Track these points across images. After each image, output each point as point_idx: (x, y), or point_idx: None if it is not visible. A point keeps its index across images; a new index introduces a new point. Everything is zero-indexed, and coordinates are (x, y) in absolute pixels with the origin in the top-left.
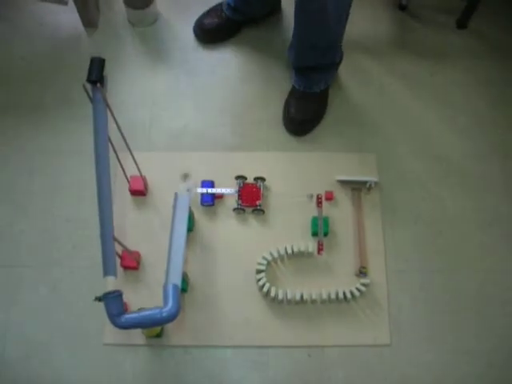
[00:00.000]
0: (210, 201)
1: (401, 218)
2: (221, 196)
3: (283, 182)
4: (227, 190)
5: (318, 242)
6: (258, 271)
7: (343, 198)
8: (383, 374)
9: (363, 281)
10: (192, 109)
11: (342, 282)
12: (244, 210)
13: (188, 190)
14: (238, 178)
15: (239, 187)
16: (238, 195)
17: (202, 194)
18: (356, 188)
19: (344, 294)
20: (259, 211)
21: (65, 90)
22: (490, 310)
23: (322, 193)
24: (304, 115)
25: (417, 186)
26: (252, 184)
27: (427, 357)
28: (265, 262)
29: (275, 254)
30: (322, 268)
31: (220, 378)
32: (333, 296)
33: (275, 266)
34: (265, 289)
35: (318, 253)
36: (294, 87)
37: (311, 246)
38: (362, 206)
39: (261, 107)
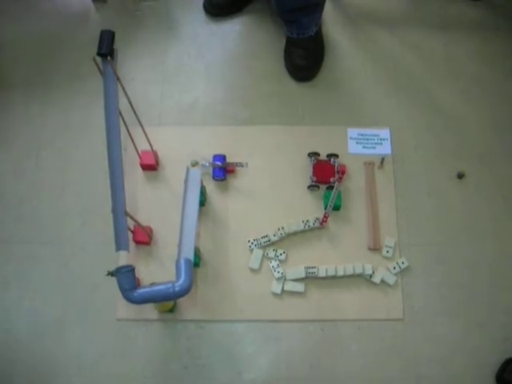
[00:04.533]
0: (222, 175)
1: (414, 192)
2: (232, 170)
3: (296, 155)
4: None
5: (324, 214)
6: (269, 245)
7: (356, 172)
8: (396, 348)
9: (400, 260)
10: (203, 83)
11: (355, 256)
12: (318, 187)
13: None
14: (310, 154)
15: (313, 164)
16: (313, 172)
17: (214, 169)
18: (369, 162)
19: (363, 268)
20: (315, 187)
21: (74, 65)
22: (505, 282)
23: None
24: (307, 60)
25: (431, 159)
26: (325, 161)
27: (440, 330)
28: (275, 238)
29: (287, 229)
30: (334, 243)
31: (233, 352)
32: (349, 271)
33: (287, 240)
34: (274, 265)
35: (321, 224)
36: (288, 37)
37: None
38: (374, 180)
39: (272, 81)
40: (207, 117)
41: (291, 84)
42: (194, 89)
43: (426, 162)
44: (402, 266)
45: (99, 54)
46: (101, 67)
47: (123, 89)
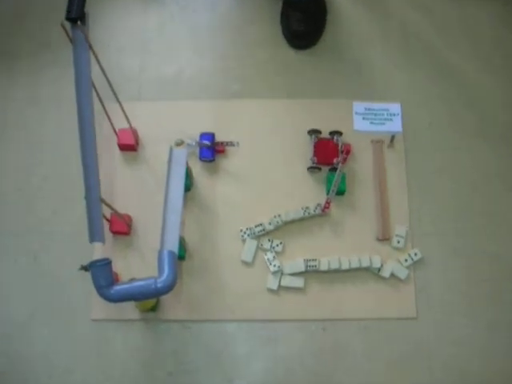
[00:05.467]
0: (210, 155)
1: (429, 174)
2: (222, 150)
3: (295, 133)
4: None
5: (327, 199)
6: (263, 235)
7: (362, 151)
8: (408, 351)
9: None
10: (189, 52)
11: (361, 247)
12: (320, 169)
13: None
14: (311, 132)
15: (314, 143)
16: (313, 152)
17: (201, 148)
18: (377, 140)
19: (370, 261)
20: (316, 169)
21: (40, 33)
22: None
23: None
24: (306, 24)
25: (447, 137)
26: (328, 139)
27: (460, 332)
28: (271, 227)
29: (284, 217)
30: (338, 232)
31: (223, 356)
32: (354, 264)
33: (284, 229)
34: (270, 257)
35: (323, 210)
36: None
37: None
38: (383, 160)
39: (267, 48)
40: (193, 90)
41: (289, 52)
42: (178, 58)
43: (441, 140)
44: (415, 258)
45: (68, 18)
46: (70, 34)
47: (96, 58)
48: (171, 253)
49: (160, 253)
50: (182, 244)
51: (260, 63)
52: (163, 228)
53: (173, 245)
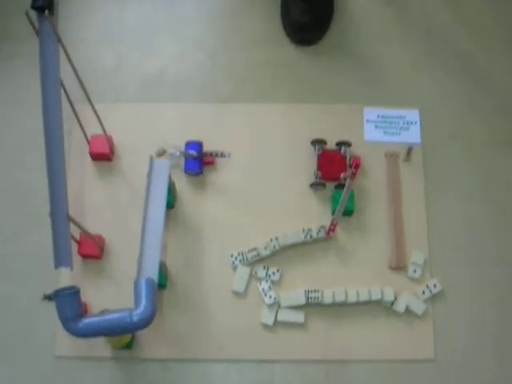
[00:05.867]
0: (197, 168)
1: (452, 193)
2: (211, 162)
3: (295, 143)
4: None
5: (332, 221)
6: (258, 261)
7: (374, 165)
8: None
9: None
10: (172, 47)
11: (371, 276)
12: (324, 186)
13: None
14: (315, 142)
15: (318, 155)
16: (317, 166)
17: (187, 159)
18: (392, 153)
19: (382, 293)
20: (320, 185)
21: (1, 23)
22: None
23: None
24: (310, 16)
25: (474, 150)
26: (334, 151)
27: (486, 378)
28: (267, 252)
29: (282, 241)
30: (345, 259)
31: None
32: (364, 297)
33: (282, 255)
34: (265, 287)
35: (328, 234)
36: None
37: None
38: (399, 176)
39: (265, 45)
40: (178, 91)
41: (290, 49)
42: (161, 54)
43: (467, 153)
44: (434, 291)
45: (34, 7)
46: (36, 25)
47: (66, 53)
48: (150, 281)
49: (137, 281)
50: (163, 271)
51: (256, 62)
52: (141, 252)
53: (152, 271)
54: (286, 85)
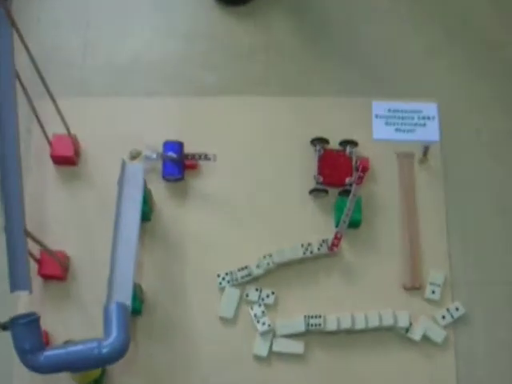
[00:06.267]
0: (177, 173)
1: (476, 201)
2: (194, 165)
3: (292, 143)
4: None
5: (336, 233)
6: (249, 282)
7: (384, 168)
8: None
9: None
10: (147, 32)
11: (382, 299)
12: (327, 192)
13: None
14: (315, 142)
15: (318, 156)
16: (318, 169)
17: (165, 163)
18: (405, 153)
19: (395, 318)
20: (321, 192)
21: None
22: None
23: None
24: None
25: (502, 149)
26: (338, 151)
27: None
28: (260, 271)
29: (277, 258)
30: (351, 278)
31: None
32: (373, 323)
33: (278, 274)
34: (258, 312)
35: (331, 249)
36: None
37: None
38: (414, 181)
39: (250, 31)
40: (154, 82)
41: (284, 32)
42: (133, 39)
43: (495, 153)
44: (456, 315)
45: None
46: None
47: (21, 39)
48: (122, 306)
49: (107, 306)
50: (138, 294)
51: (244, 47)
52: (112, 272)
53: (124, 295)
54: (279, 75)
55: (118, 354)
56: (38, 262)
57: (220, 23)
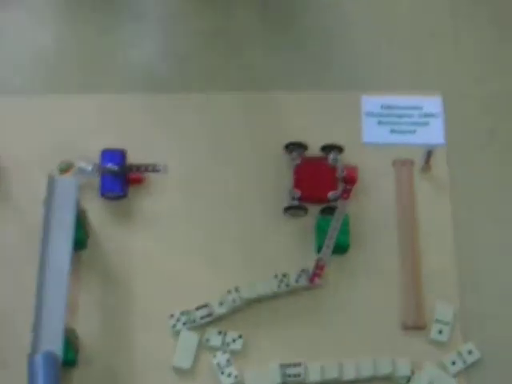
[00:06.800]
0: (119, 189)
1: (489, 216)
2: (139, 179)
3: (263, 149)
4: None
5: (317, 261)
6: (211, 323)
7: (378, 179)
8: None
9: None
10: (63, 9)
11: (377, 341)
12: (306, 210)
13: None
14: (291, 147)
15: (295, 166)
16: (294, 182)
17: (103, 176)
18: (403, 160)
19: (393, 366)
20: (299, 209)
21: None
22: None
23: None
24: None
25: None
26: (318, 159)
27: None
28: (223, 310)
29: (245, 293)
30: (338, 317)
31: None
32: (366, 372)
33: (246, 313)
34: (222, 361)
35: (311, 280)
36: None
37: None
38: (414, 194)
39: (212, 9)
40: (89, 76)
41: (249, 14)
42: (50, 19)
43: (511, 158)
44: (469, 360)
45: None
46: None
47: None
48: (51, 356)
49: (31, 357)
50: (72, 340)
51: (194, 29)
52: (37, 313)
53: (54, 342)
54: (245, 66)
55: None
56: None
57: (171, 3)
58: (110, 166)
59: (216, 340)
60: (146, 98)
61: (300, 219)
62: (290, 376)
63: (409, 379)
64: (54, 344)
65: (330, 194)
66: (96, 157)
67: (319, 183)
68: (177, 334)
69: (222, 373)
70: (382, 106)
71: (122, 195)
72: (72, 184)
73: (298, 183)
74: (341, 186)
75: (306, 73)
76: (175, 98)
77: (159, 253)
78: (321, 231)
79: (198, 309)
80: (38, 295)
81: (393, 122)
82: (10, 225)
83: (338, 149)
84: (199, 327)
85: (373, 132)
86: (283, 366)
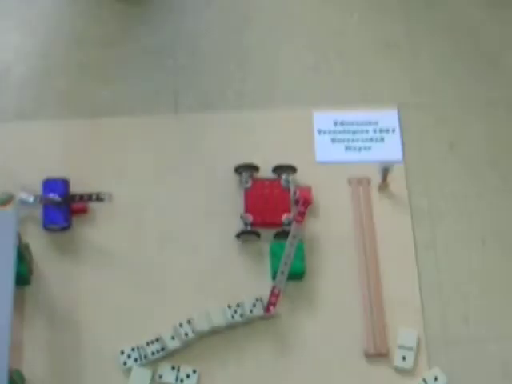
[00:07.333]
0: (62, 220)
1: (452, 235)
2: (83, 209)
3: (212, 172)
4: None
5: (272, 289)
6: (163, 358)
7: (334, 200)
8: None
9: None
10: (19, 35)
11: (338, 372)
12: (258, 235)
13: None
14: (241, 169)
15: (246, 189)
16: (246, 206)
17: (46, 207)
18: (360, 178)
19: None
20: (251, 235)
21: None
22: None
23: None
24: None
25: (482, 165)
26: (271, 181)
27: None
28: (176, 344)
29: (198, 325)
30: (295, 348)
31: None
32: None
33: (199, 345)
34: None
35: (267, 309)
36: None
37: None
38: (372, 214)
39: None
40: (28, 101)
41: (192, 27)
42: (3, 46)
43: (473, 172)
44: None
45: None
46: None
47: None
48: None
49: None
50: (17, 383)
51: (146, 48)
52: None
53: None
54: (193, 82)
55: None
56: None
57: (119, 22)
58: (52, 196)
59: (169, 376)
60: (88, 123)
61: (253, 245)
62: None
63: None
64: None
65: (284, 218)
66: (38, 187)
67: (272, 206)
68: (128, 371)
69: None
70: (335, 122)
71: (65, 226)
72: (12, 216)
73: (249, 207)
74: (294, 209)
75: (255, 90)
76: (118, 123)
77: (106, 286)
78: (275, 257)
79: (148, 344)
80: None
81: (347, 138)
82: None
83: (291, 169)
84: (151, 363)
85: (326, 150)
86: None
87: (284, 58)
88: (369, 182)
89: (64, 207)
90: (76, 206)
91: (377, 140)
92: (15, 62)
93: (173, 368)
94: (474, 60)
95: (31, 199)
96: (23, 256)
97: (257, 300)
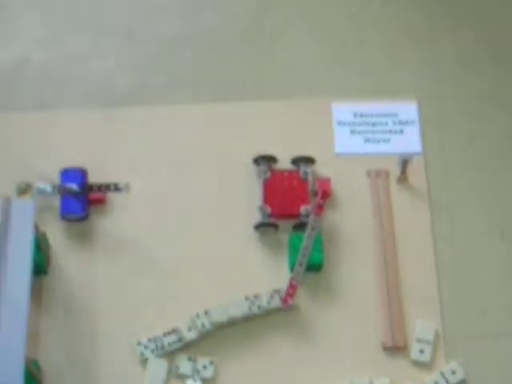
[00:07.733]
0: (80, 210)
1: (471, 228)
2: (101, 199)
3: (228, 161)
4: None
5: (290, 280)
6: (180, 350)
7: (352, 191)
8: None
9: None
10: (38, 21)
11: (355, 364)
12: (277, 227)
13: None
14: (259, 160)
15: (264, 180)
16: (264, 197)
17: (64, 197)
18: (379, 171)
19: None
20: (269, 226)
21: None
22: None
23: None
24: None
25: (501, 162)
26: (289, 172)
27: None
28: (193, 335)
29: (215, 316)
30: (313, 339)
31: None
32: None
33: (216, 337)
34: None
35: (285, 301)
36: None
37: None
38: (391, 206)
39: (179, 13)
40: (46, 90)
41: (211, 18)
42: (19, 34)
43: (492, 166)
44: (453, 380)
45: None
46: None
47: None
48: None
49: None
50: (34, 373)
51: (164, 38)
52: None
53: (13, 375)
54: (212, 73)
55: None
56: None
57: (137, 10)
58: (69, 186)
59: (186, 367)
60: (104, 112)
61: (271, 236)
62: None
63: None
64: (13, 377)
65: (302, 209)
66: (55, 177)
67: (290, 198)
68: (145, 361)
69: None
70: (354, 114)
71: (83, 216)
72: (30, 206)
73: (268, 199)
74: (313, 201)
75: (274, 81)
76: (136, 112)
77: (124, 276)
78: (293, 249)
79: (165, 335)
80: None
81: (366, 130)
82: None
83: (310, 161)
84: (168, 354)
85: (345, 142)
86: None
87: (304, 48)
88: (388, 174)
89: (82, 197)
90: (94, 195)
91: (396, 132)
92: (34, 52)
93: (189, 359)
94: (498, 52)
95: (49, 188)
96: (40, 246)
97: (274, 292)
